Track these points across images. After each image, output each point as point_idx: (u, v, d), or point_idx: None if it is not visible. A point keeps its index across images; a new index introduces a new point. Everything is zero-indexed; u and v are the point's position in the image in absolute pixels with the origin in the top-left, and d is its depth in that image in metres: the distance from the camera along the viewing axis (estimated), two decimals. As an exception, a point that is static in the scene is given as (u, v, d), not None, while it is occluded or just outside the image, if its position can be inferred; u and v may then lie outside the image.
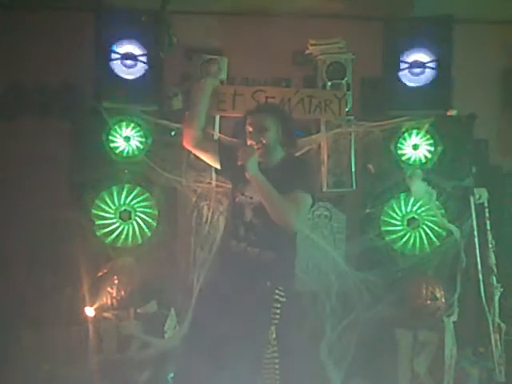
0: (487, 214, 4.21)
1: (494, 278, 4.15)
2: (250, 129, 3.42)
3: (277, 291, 3.26)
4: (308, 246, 4.01)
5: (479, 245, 4.16)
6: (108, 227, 4.15)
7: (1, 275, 4.55)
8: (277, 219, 3.22)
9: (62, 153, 4.26)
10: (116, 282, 4.02)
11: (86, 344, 3.92)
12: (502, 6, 4.65)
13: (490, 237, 4.19)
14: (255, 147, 3.35)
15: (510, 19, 4.91)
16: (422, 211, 4.26)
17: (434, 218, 4.21)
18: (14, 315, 4.36)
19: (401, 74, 4.20)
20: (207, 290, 3.54)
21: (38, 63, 4.77)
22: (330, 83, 4.13)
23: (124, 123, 4.15)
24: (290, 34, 4.75)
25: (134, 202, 4.19)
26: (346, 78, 4.14)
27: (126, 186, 4.19)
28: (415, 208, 4.27)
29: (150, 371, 3.97)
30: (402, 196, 4.28)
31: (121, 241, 4.16)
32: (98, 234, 4.13)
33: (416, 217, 4.27)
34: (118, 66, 4.08)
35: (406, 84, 4.22)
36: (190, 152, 3.84)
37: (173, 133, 4.08)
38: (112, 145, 4.15)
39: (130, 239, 4.17)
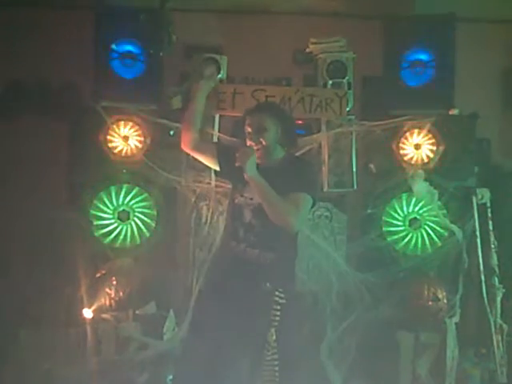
0: (489, 215, 4.18)
1: (496, 278, 4.13)
2: (249, 129, 3.38)
3: (277, 293, 3.23)
4: (308, 246, 4.00)
5: (481, 245, 4.14)
6: (106, 227, 4.14)
7: (0, 275, 4.53)
8: (275, 220, 3.18)
9: (60, 153, 4.24)
10: (114, 282, 4.02)
11: (85, 345, 3.89)
12: (504, 5, 4.66)
13: (492, 237, 4.17)
14: (254, 148, 3.32)
15: (512, 18, 4.90)
16: (424, 211, 4.24)
17: (435, 219, 4.19)
18: (13, 315, 4.33)
19: (402, 72, 4.18)
20: (206, 292, 3.50)
21: (37, 62, 4.75)
22: (330, 82, 4.10)
23: (122, 122, 4.13)
24: (291, 32, 4.75)
25: (133, 202, 4.17)
26: (346, 77, 4.11)
27: (125, 186, 4.17)
28: (417, 208, 4.26)
29: (148, 373, 3.94)
30: (404, 196, 4.27)
31: (119, 241, 4.15)
32: (96, 234, 4.11)
33: (418, 217, 4.26)
34: (117, 65, 4.07)
35: (407, 83, 4.21)
36: (190, 152, 3.83)
37: (172, 132, 4.04)
38: (110, 144, 4.12)
39: (128, 240, 4.15)
